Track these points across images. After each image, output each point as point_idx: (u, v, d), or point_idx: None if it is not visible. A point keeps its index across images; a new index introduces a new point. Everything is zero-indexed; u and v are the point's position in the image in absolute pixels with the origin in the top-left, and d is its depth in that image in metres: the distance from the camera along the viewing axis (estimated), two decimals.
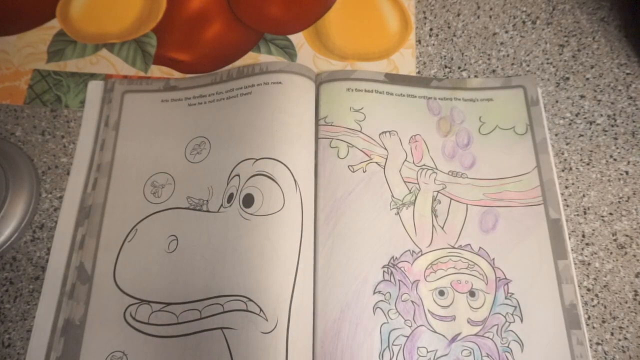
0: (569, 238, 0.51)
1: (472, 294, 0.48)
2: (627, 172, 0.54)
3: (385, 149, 0.53)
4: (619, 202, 0.53)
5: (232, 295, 0.46)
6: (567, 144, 0.56)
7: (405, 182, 0.52)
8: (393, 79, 0.57)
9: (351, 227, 0.50)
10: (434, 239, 0.50)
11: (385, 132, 0.54)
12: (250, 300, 0.45)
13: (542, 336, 0.46)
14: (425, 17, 0.63)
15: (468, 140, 0.54)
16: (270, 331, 0.44)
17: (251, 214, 0.48)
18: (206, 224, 0.49)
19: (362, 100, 0.55)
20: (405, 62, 0.60)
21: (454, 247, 0.49)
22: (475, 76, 0.59)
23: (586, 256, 0.51)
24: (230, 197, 0.50)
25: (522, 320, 0.47)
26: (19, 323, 0.48)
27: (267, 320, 0.44)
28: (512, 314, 0.47)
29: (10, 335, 0.48)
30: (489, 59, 0.60)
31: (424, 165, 0.53)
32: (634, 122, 0.56)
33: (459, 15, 0.63)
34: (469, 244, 0.50)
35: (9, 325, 0.48)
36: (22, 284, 0.50)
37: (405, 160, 0.53)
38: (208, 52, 0.61)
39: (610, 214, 0.53)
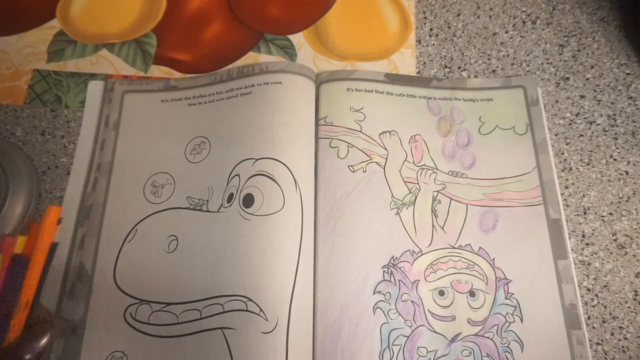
0: (569, 238, 0.51)
1: (472, 294, 0.48)
2: (627, 172, 0.54)
3: (385, 149, 0.53)
4: (619, 202, 0.53)
5: (232, 295, 0.46)
6: (567, 144, 0.56)
7: (405, 182, 0.52)
8: (393, 79, 0.57)
9: (351, 227, 0.50)
10: (434, 239, 0.50)
11: (385, 132, 0.54)
12: (250, 300, 0.45)
13: (542, 336, 0.46)
14: (425, 17, 0.63)
15: (468, 140, 0.54)
16: (270, 331, 0.44)
17: (251, 214, 0.48)
18: (206, 224, 0.49)
19: (362, 100, 0.55)
20: (405, 62, 0.60)
21: (454, 247, 0.49)
22: (475, 76, 0.59)
23: (586, 256, 0.51)
24: (230, 197, 0.50)
25: (522, 321, 0.47)
26: None
27: (267, 320, 0.44)
28: (512, 314, 0.47)
29: None
30: (489, 59, 0.60)
31: (424, 165, 0.53)
32: (634, 122, 0.56)
33: (459, 15, 0.63)
34: (469, 244, 0.50)
35: None
36: None
37: (405, 160, 0.53)
38: (208, 52, 0.61)
39: (610, 214, 0.53)
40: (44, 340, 0.40)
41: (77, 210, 0.52)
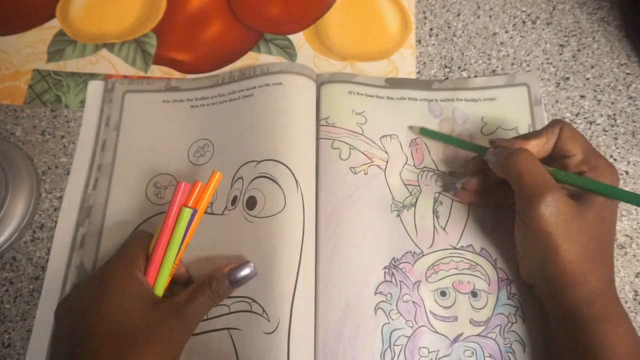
0: None
1: (474, 294, 0.48)
2: (627, 172, 0.54)
3: (386, 152, 0.53)
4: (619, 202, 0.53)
5: (237, 296, 0.46)
6: None
7: (405, 185, 0.52)
8: (394, 83, 0.57)
9: (352, 228, 0.50)
10: (435, 240, 0.50)
11: (385, 135, 0.54)
12: (255, 301, 0.45)
13: (544, 336, 0.46)
14: (425, 17, 0.63)
15: (470, 141, 0.54)
16: (272, 331, 0.44)
17: (254, 216, 0.48)
18: (211, 226, 0.49)
19: (364, 104, 0.55)
20: (405, 62, 0.60)
21: (455, 248, 0.50)
22: (476, 76, 0.59)
23: None
24: (234, 200, 0.50)
25: (524, 321, 0.47)
26: (19, 323, 0.48)
27: (269, 321, 0.44)
28: (514, 315, 0.47)
29: (10, 335, 0.48)
30: (489, 59, 0.60)
31: (424, 167, 0.53)
32: (634, 122, 0.57)
33: (459, 15, 0.63)
34: (471, 245, 0.50)
35: (9, 325, 0.48)
36: (22, 284, 0.50)
37: (406, 163, 0.53)
38: (208, 52, 0.61)
39: None
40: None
41: (78, 210, 0.52)
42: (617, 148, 0.56)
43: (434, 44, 0.61)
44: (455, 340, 0.46)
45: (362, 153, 0.53)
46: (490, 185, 0.48)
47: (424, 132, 0.54)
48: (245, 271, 0.44)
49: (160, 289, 0.44)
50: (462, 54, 0.60)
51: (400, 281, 0.48)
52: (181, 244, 0.44)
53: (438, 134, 0.53)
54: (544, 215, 0.39)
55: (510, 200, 0.44)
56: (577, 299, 0.40)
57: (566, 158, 0.44)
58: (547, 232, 0.40)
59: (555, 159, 0.45)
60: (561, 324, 0.42)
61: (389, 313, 0.47)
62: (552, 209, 0.39)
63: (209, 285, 0.43)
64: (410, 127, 0.55)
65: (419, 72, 0.59)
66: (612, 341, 0.39)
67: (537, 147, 0.44)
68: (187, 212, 0.44)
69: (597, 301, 0.40)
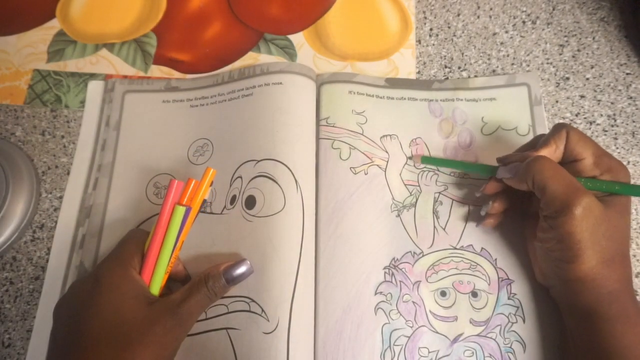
0: None
1: (474, 294, 0.48)
2: None
3: (386, 152, 0.53)
4: None
5: (235, 296, 0.46)
6: None
7: (405, 185, 0.52)
8: (394, 83, 0.57)
9: (353, 228, 0.50)
10: (436, 240, 0.50)
11: (385, 135, 0.54)
12: (253, 301, 0.45)
13: (545, 337, 0.46)
14: (425, 17, 0.63)
15: (470, 141, 0.54)
16: (272, 331, 0.44)
17: (253, 216, 0.48)
18: (210, 226, 0.49)
19: (364, 104, 0.55)
20: (405, 62, 0.60)
21: (455, 248, 0.49)
22: (476, 76, 0.59)
23: None
24: (234, 199, 0.50)
25: (524, 321, 0.47)
26: (19, 323, 0.48)
27: (268, 320, 0.44)
28: (514, 315, 0.47)
29: (10, 335, 0.48)
30: (489, 59, 0.60)
31: (425, 167, 0.53)
32: (634, 122, 0.57)
33: (459, 15, 0.63)
34: (471, 245, 0.50)
35: (9, 325, 0.48)
36: (22, 284, 0.50)
37: (406, 163, 0.53)
38: (208, 52, 0.61)
39: None
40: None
41: (78, 210, 0.52)
42: (617, 148, 0.56)
43: (434, 44, 0.61)
44: (455, 340, 0.46)
45: (362, 153, 0.53)
46: (515, 200, 0.48)
47: (426, 160, 0.53)
48: (242, 269, 0.45)
49: (156, 288, 0.44)
50: (462, 54, 0.60)
51: (400, 281, 0.48)
52: (176, 242, 0.44)
53: (441, 160, 0.53)
54: (577, 221, 0.39)
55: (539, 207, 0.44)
56: (596, 300, 0.40)
57: (577, 162, 0.43)
58: (577, 240, 0.39)
59: (565, 163, 0.44)
60: (578, 324, 0.42)
61: (389, 313, 0.47)
62: (586, 213, 0.39)
63: (204, 283, 0.43)
64: (410, 158, 0.54)
65: (419, 72, 0.59)
66: (629, 340, 0.39)
67: (548, 156, 0.43)
68: (180, 210, 0.43)
69: (615, 302, 0.40)
